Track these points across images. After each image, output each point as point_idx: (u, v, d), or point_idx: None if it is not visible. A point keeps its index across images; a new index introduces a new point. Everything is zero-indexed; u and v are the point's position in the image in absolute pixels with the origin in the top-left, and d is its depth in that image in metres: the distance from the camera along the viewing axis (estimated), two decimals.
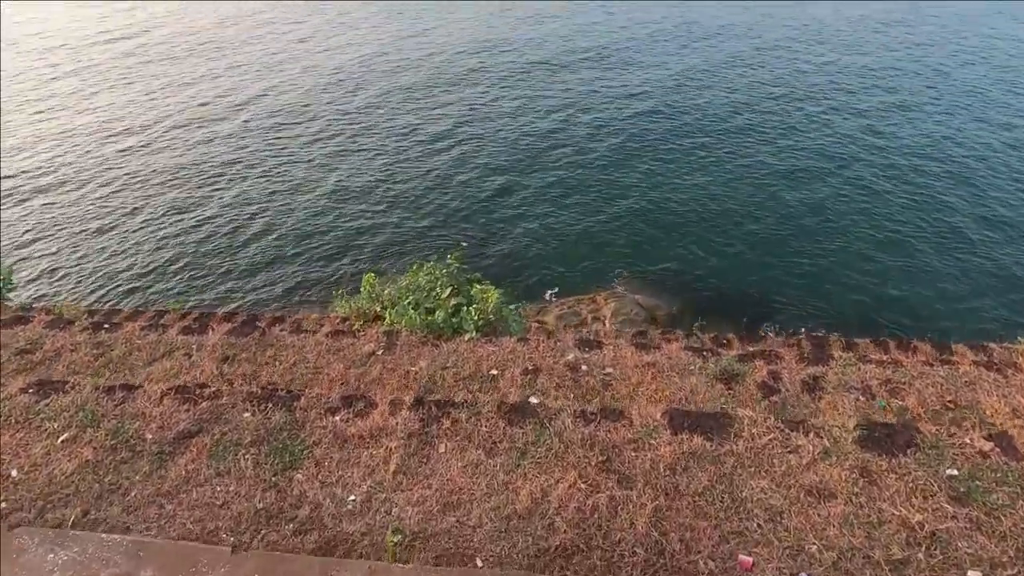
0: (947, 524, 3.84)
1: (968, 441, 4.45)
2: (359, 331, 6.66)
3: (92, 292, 12.49)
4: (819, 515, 3.92)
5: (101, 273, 13.03)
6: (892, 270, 12.62)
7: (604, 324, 11.21)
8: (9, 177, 16.66)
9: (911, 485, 4.10)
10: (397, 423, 4.67)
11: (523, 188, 15.68)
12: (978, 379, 5.72)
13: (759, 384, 5.62)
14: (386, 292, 7.37)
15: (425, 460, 4.36)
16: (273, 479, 4.22)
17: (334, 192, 15.75)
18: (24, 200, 15.67)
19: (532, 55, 25.35)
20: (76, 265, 13.26)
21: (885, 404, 5.36)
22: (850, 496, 4.04)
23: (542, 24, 29.99)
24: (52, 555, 3.51)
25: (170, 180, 16.48)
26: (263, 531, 3.88)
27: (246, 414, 4.76)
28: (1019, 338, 6.26)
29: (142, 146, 18.41)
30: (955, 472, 4.19)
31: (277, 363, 5.91)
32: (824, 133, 18.21)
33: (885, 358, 6.31)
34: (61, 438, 4.49)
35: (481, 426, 4.65)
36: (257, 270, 13.03)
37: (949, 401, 5.42)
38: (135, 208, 15.27)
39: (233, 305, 11.87)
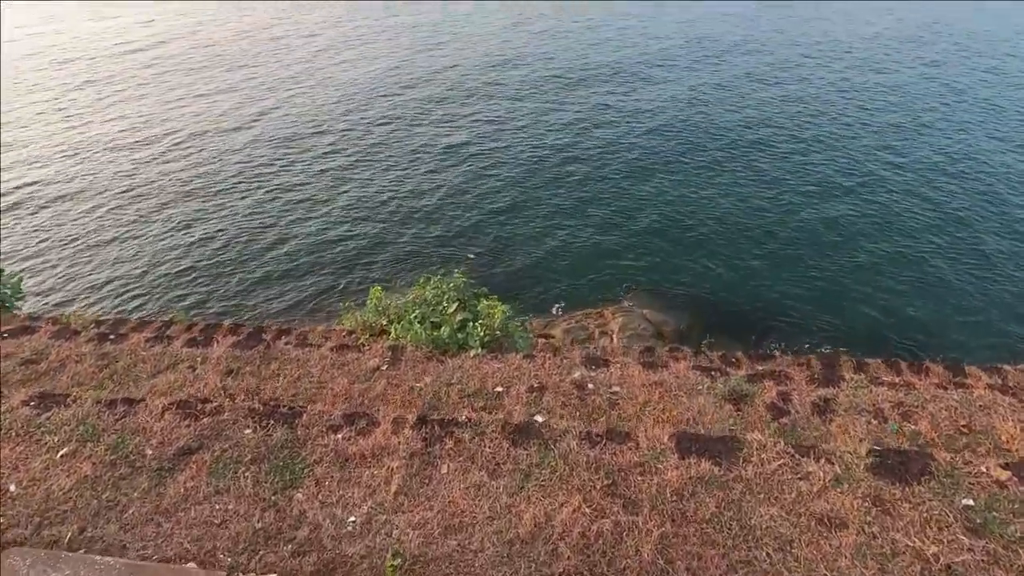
0: (963, 557, 3.71)
1: (984, 470, 4.32)
2: (364, 345, 6.62)
3: (104, 301, 12.56)
4: (830, 545, 3.81)
5: (113, 283, 13.10)
6: (904, 286, 12.48)
7: (611, 339, 11.12)
8: (25, 186, 16.84)
9: (925, 515, 3.98)
10: (399, 442, 4.60)
11: (533, 202, 15.68)
12: (993, 403, 5.59)
13: (768, 405, 5.52)
14: (392, 306, 7.34)
15: (427, 481, 4.29)
16: (273, 498, 4.16)
17: (346, 205, 15.80)
18: (40, 210, 15.83)
19: (545, 70, 25.46)
20: (90, 275, 13.35)
21: (898, 428, 5.24)
22: (862, 526, 3.92)
23: (555, 40, 30.17)
24: None
25: (184, 191, 16.60)
26: (261, 552, 3.81)
27: (247, 431, 4.71)
28: None
29: (156, 157, 18.59)
30: (971, 502, 4.06)
31: (281, 377, 5.87)
32: (837, 149, 18.12)
33: (897, 380, 6.19)
34: (61, 452, 4.45)
35: (485, 446, 4.57)
36: (267, 281, 13.06)
37: (963, 426, 5.29)
38: (149, 219, 15.38)
39: (244, 316, 11.90)
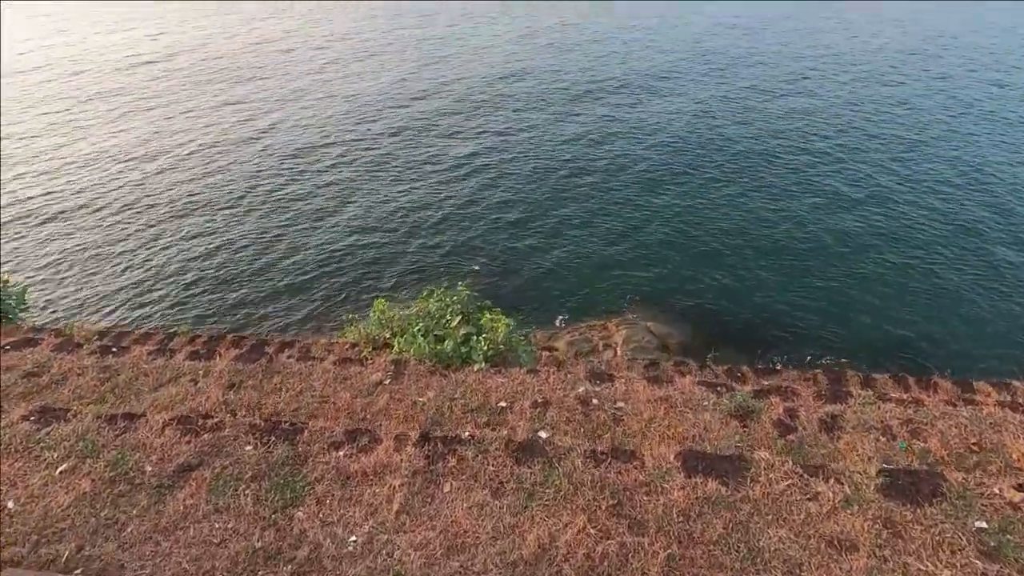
0: None
1: (997, 491, 4.23)
2: (367, 359, 6.58)
3: (109, 312, 12.56)
4: (841, 568, 3.73)
5: (119, 294, 13.11)
6: (911, 297, 12.41)
7: (615, 352, 11.05)
8: (33, 198, 16.92)
9: (938, 538, 3.90)
10: (402, 460, 4.54)
11: (538, 214, 15.66)
12: (1003, 421, 5.51)
13: (775, 422, 5.44)
14: (396, 318, 7.30)
15: (429, 500, 4.23)
16: (273, 517, 4.10)
17: (351, 216, 15.82)
18: (47, 221, 15.90)
19: (551, 84, 25.55)
20: (96, 286, 13.36)
21: (906, 446, 5.16)
22: (873, 548, 3.84)
23: (562, 53, 30.31)
24: None
25: (191, 204, 16.65)
26: (260, 572, 3.76)
27: (248, 447, 4.66)
28: None
29: (164, 170, 18.67)
30: (984, 525, 3.98)
31: (283, 391, 5.83)
32: (843, 161, 18.08)
33: (905, 396, 6.11)
34: (60, 469, 4.42)
35: (488, 465, 4.51)
36: (273, 292, 13.04)
37: (973, 444, 5.21)
38: (156, 231, 15.42)
39: (248, 328, 11.88)
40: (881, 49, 30.08)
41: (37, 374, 6.00)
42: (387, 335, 7.11)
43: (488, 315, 7.15)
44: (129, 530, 3.99)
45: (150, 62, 30.48)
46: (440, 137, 20.60)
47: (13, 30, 37.11)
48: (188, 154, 19.71)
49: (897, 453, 5.07)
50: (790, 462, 4.54)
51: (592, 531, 3.97)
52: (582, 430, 5.28)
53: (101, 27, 39.06)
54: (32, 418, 4.98)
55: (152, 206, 16.59)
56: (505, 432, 5.13)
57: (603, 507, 4.14)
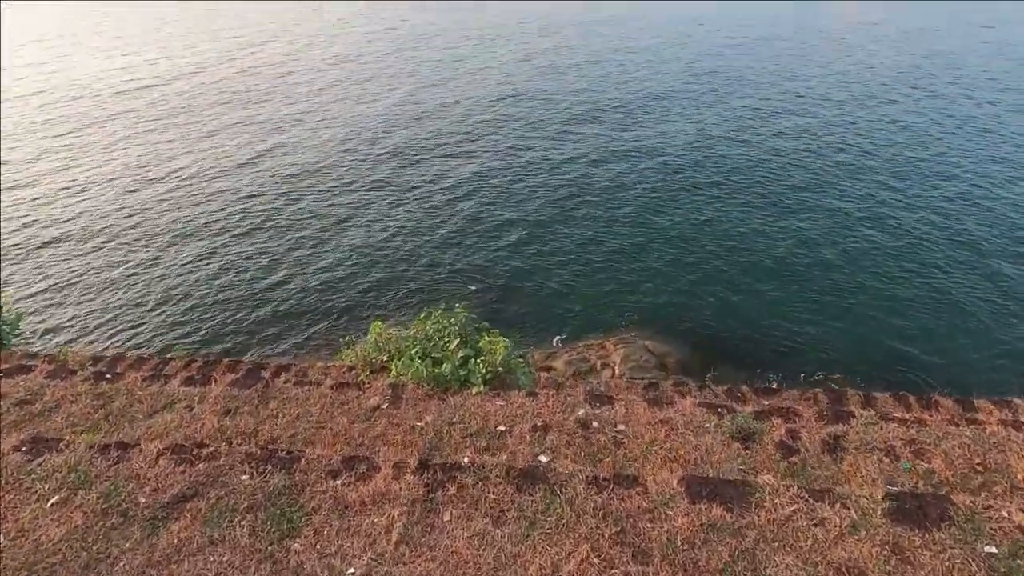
0: None
1: (1006, 515, 4.17)
2: (365, 383, 6.52)
3: (105, 337, 12.46)
4: None
5: (115, 319, 13.03)
6: (911, 311, 12.40)
7: (613, 371, 10.98)
8: (28, 226, 16.89)
9: (947, 563, 3.83)
10: (400, 488, 4.47)
11: (537, 235, 15.68)
12: (1007, 440, 5.47)
13: (777, 444, 5.39)
14: (393, 340, 7.25)
15: (429, 530, 4.14)
16: (269, 549, 4.01)
17: (348, 239, 15.81)
18: (44, 245, 15.86)
19: (550, 107, 25.72)
20: (93, 311, 13.28)
21: (910, 467, 5.10)
22: (882, 575, 3.76)
23: (560, 76, 30.56)
24: None
25: (189, 228, 16.64)
26: None
27: (244, 476, 4.58)
28: None
29: (162, 195, 18.67)
30: (994, 549, 3.91)
31: (279, 417, 5.77)
32: (841, 178, 18.17)
33: (907, 416, 6.07)
34: (51, 501, 4.33)
35: (488, 492, 4.44)
36: (270, 315, 12.97)
37: (978, 464, 5.15)
38: (153, 256, 15.38)
39: (245, 351, 11.80)
40: (876, 68, 30.42)
41: (30, 402, 5.93)
42: (384, 358, 7.05)
43: (486, 337, 7.11)
44: (121, 564, 3.90)
45: (150, 86, 30.68)
46: (438, 159, 20.68)
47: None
48: (187, 178, 19.74)
49: (901, 474, 5.01)
50: (795, 486, 4.47)
51: (595, 560, 3.89)
52: (583, 454, 5.22)
53: (101, 52, 39.39)
54: (24, 448, 4.90)
55: (150, 230, 16.57)
56: (505, 457, 5.06)
57: (606, 535, 4.06)
